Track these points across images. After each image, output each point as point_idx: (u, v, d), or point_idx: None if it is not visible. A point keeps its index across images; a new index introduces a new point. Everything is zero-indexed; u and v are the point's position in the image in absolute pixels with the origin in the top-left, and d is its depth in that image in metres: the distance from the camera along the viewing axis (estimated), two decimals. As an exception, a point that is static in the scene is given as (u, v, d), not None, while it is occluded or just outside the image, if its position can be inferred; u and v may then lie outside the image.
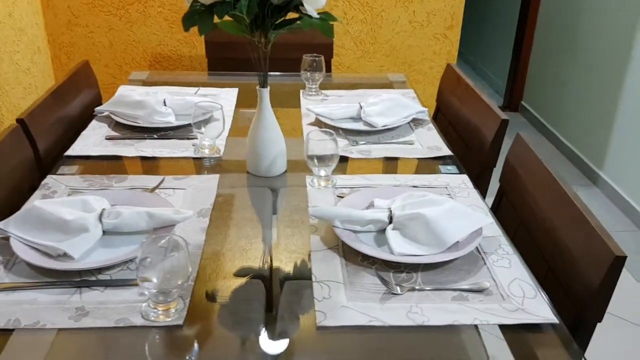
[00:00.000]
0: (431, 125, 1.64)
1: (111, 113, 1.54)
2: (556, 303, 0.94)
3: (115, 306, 0.87)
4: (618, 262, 0.89)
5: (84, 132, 1.47)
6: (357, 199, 1.18)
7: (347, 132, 1.56)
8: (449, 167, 1.41)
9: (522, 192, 1.24)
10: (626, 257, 0.89)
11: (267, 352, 0.83)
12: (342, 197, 1.21)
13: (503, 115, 1.43)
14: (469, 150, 1.60)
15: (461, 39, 2.89)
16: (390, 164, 1.41)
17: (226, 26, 1.17)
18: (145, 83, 1.90)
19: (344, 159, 1.40)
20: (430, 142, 1.53)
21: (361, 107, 1.62)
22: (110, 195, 1.12)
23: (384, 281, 0.94)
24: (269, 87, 1.26)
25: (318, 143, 1.23)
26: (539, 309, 0.91)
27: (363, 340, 0.86)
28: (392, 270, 0.99)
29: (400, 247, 1.02)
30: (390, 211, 1.09)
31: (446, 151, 1.47)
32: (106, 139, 1.44)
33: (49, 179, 1.24)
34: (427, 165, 1.41)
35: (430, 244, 1.03)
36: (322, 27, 1.16)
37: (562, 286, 1.04)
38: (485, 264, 1.02)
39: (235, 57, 2.15)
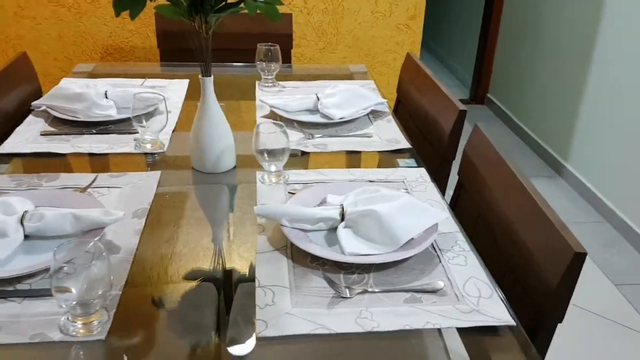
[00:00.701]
0: (391, 117, 1.58)
1: (48, 107, 1.44)
2: (515, 303, 0.89)
3: (30, 319, 0.78)
4: (578, 259, 0.84)
5: (18, 128, 1.37)
6: (308, 195, 1.11)
7: (303, 125, 1.48)
8: (407, 161, 1.35)
9: (480, 185, 1.19)
10: (586, 253, 0.84)
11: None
12: (294, 193, 1.14)
13: (461, 106, 1.37)
14: (429, 142, 1.54)
15: (427, 30, 2.85)
16: (351, 158, 1.35)
17: (164, 10, 1.09)
18: (91, 75, 1.79)
19: (305, 154, 1.33)
20: (389, 134, 1.46)
21: (318, 99, 1.55)
22: (37, 196, 1.02)
23: (332, 284, 0.88)
24: (212, 77, 1.18)
25: (268, 136, 1.16)
26: (494, 310, 0.85)
27: (318, 347, 0.79)
28: (342, 272, 0.93)
29: (351, 247, 0.95)
30: (342, 208, 1.02)
31: (405, 144, 1.41)
32: (41, 134, 1.34)
33: (-27, 179, 1.14)
34: (388, 158, 1.35)
35: (383, 242, 0.97)
36: (267, 11, 1.08)
37: (521, 284, 0.98)
38: (440, 262, 0.96)
39: (189, 47, 2.07)
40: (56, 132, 1.36)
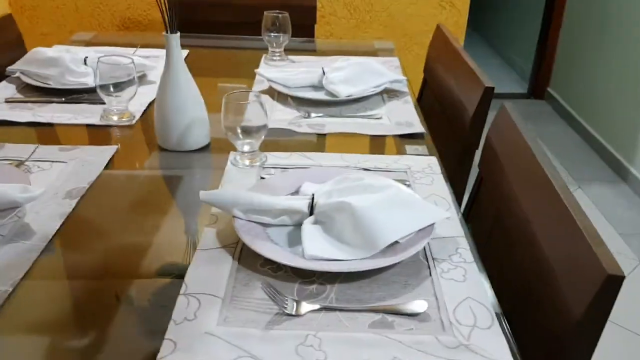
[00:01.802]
0: (409, 98, 1.35)
1: (21, 72, 1.29)
2: (525, 337, 0.66)
3: None
4: (611, 284, 0.60)
5: (-19, 94, 1.23)
6: (281, 182, 0.91)
7: (301, 102, 1.28)
8: (417, 147, 1.12)
9: (501, 180, 0.95)
10: (623, 277, 0.60)
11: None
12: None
13: (488, 82, 1.13)
14: (452, 128, 1.31)
15: (478, 12, 2.58)
16: (364, 143, 1.13)
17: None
18: (89, 44, 1.65)
19: (321, 137, 1.13)
20: (401, 117, 1.24)
21: (324, 73, 1.34)
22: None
23: (275, 296, 0.67)
24: (178, 34, 0.99)
25: (239, 108, 0.96)
26: (492, 346, 0.63)
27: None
28: (299, 281, 0.72)
29: (313, 248, 0.74)
30: (313, 199, 0.81)
31: (418, 128, 1.18)
32: (5, 101, 1.20)
33: None
34: (400, 145, 1.13)
35: (357, 244, 0.75)
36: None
37: (537, 312, 0.75)
38: (430, 275, 0.74)
39: (207, 19, 1.91)
40: (22, 99, 1.21)
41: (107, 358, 0.61)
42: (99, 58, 1.09)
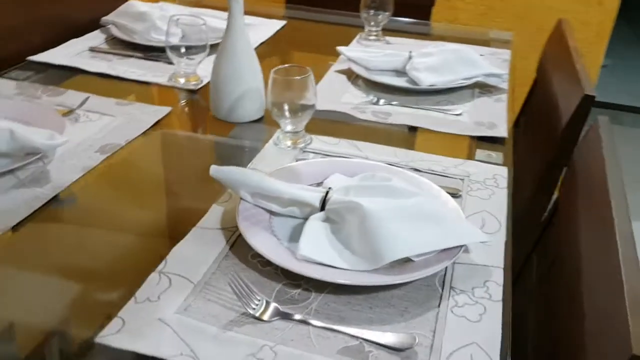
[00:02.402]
0: (503, 97, 1.18)
1: (113, 24, 1.33)
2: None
3: None
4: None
5: (72, 40, 1.28)
6: (309, 169, 0.82)
7: (376, 87, 1.18)
8: (491, 154, 0.97)
9: (573, 215, 0.79)
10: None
11: None
12: (301, 164, 0.86)
13: (589, 89, 0.94)
14: (543, 141, 1.13)
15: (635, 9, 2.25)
16: (427, 139, 1.01)
17: None
18: (197, 5, 1.67)
19: (413, 130, 1.03)
20: (485, 116, 1.09)
21: (410, 58, 1.22)
22: (6, 107, 0.90)
23: (239, 293, 0.60)
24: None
25: (286, 83, 0.89)
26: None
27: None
28: (284, 281, 0.64)
29: (307, 249, 0.66)
30: (327, 193, 0.72)
31: (499, 132, 1.03)
32: (89, 49, 1.24)
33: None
34: (475, 148, 0.99)
35: (360, 253, 0.66)
36: None
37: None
38: (438, 306, 0.63)
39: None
40: (105, 50, 1.24)
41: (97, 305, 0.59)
42: (170, 17, 1.08)
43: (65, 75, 1.12)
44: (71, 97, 1.01)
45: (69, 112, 0.95)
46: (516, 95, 1.33)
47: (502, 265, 0.69)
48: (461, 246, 0.67)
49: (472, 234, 0.69)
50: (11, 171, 0.78)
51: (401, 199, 0.69)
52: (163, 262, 0.65)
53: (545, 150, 1.08)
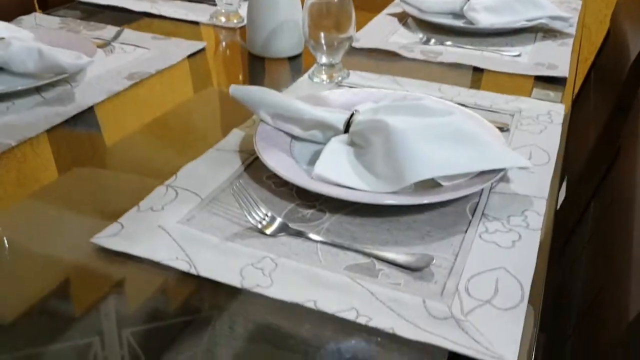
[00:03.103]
0: (570, 41, 1.08)
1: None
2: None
3: None
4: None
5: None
6: (338, 98, 0.77)
7: (429, 28, 1.10)
8: (549, 93, 0.88)
9: (633, 155, 0.69)
10: None
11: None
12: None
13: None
14: (609, 83, 1.01)
15: None
16: (481, 80, 0.93)
17: None
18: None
19: (478, 70, 0.95)
20: (546, 58, 0.99)
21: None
22: (40, 34, 0.90)
23: (242, 202, 0.55)
24: None
25: (323, 12, 0.84)
26: (494, 332, 0.44)
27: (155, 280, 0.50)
28: (298, 201, 0.60)
29: (324, 168, 0.60)
30: (352, 115, 0.67)
31: (560, 71, 0.93)
32: (136, -7, 1.24)
33: (30, 16, 1.07)
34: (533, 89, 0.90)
35: (383, 175, 0.60)
36: None
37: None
38: (465, 231, 0.56)
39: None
40: (151, -7, 1.24)
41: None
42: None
43: (110, 15, 1.12)
44: (109, 31, 1.01)
45: (104, 44, 0.94)
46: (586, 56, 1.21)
47: (545, 196, 0.61)
48: (498, 171, 0.60)
49: (511, 158, 0.61)
50: (38, 91, 0.78)
51: (433, 118, 0.63)
52: (173, 177, 0.62)
53: (611, 94, 0.96)
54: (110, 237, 0.53)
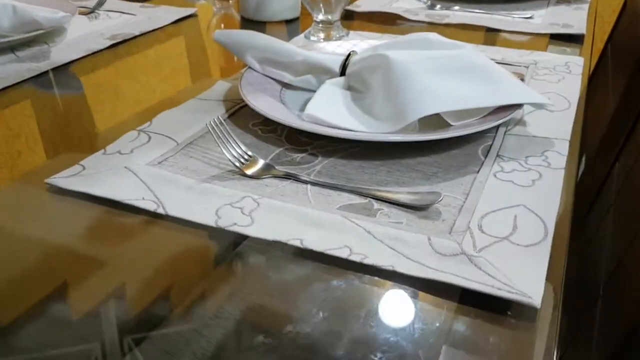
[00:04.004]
0: (585, 6, 1.01)
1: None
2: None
3: None
4: None
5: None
6: (335, 50, 0.70)
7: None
8: (566, 49, 0.81)
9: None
10: None
11: None
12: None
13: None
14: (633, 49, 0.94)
15: None
16: (501, 44, 0.86)
17: None
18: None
19: (473, 32, 0.89)
20: (560, 19, 0.92)
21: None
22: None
23: (220, 137, 0.48)
24: None
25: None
26: (513, 268, 0.37)
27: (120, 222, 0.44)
28: (287, 145, 0.53)
29: (316, 108, 0.53)
30: (349, 56, 0.60)
31: (576, 29, 0.86)
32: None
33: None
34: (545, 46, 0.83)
35: (383, 116, 0.53)
36: None
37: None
38: (477, 171, 0.49)
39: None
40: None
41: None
42: None
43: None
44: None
45: (87, 12, 0.89)
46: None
47: (567, 138, 0.54)
48: (515, 108, 0.53)
49: (529, 94, 0.54)
50: (12, 51, 0.72)
51: (440, 51, 0.56)
52: (147, 123, 0.56)
53: (630, 61, 0.89)
54: (68, 178, 0.46)
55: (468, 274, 0.36)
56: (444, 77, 0.52)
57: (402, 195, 0.44)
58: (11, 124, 0.59)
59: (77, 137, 0.57)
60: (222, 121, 0.49)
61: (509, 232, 0.40)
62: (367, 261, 0.38)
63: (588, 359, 0.54)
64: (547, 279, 0.36)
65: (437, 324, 0.34)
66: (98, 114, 0.62)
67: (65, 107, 0.63)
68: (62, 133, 0.58)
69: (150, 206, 0.43)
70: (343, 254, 0.38)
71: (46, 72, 0.68)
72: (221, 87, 0.64)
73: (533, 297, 0.34)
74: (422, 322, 0.34)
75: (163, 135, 0.54)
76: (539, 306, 0.34)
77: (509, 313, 0.35)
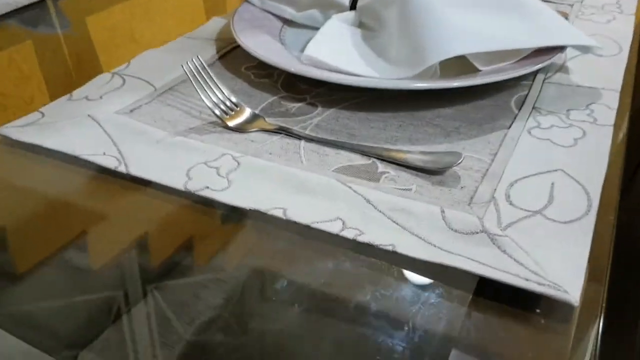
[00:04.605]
0: None
1: None
2: None
3: None
4: None
5: None
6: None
7: None
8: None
9: None
10: None
11: None
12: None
13: None
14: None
15: None
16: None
17: None
18: None
19: None
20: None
21: None
22: None
23: (201, 88, 0.41)
24: None
25: None
26: (544, 251, 0.29)
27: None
28: (282, 94, 0.45)
29: (317, 49, 0.45)
30: (361, -13, 0.51)
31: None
32: None
33: None
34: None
35: (398, 60, 0.44)
36: None
37: None
38: (508, 127, 0.41)
39: None
40: None
41: None
42: None
43: None
44: None
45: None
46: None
47: (618, 89, 0.45)
48: (556, 51, 0.44)
49: (573, 35, 0.45)
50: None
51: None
52: (125, 65, 0.49)
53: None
54: (22, 128, 0.40)
55: (488, 259, 0.29)
56: (472, 13, 0.44)
57: (414, 155, 0.36)
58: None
59: (40, 79, 0.51)
60: (202, 61, 0.41)
61: (543, 204, 0.33)
62: (362, 238, 0.30)
63: None
64: (588, 267, 0.29)
65: (444, 324, 0.27)
66: (74, 49, 0.55)
67: (41, 45, 0.56)
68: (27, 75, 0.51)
69: (110, 163, 0.36)
70: (334, 228, 0.31)
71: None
72: (215, 24, 0.56)
73: (570, 292, 0.27)
74: (425, 321, 0.27)
75: (140, 79, 0.46)
76: (577, 303, 0.27)
77: (537, 311, 0.27)
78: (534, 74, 0.47)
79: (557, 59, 0.47)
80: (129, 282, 0.29)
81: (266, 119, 0.41)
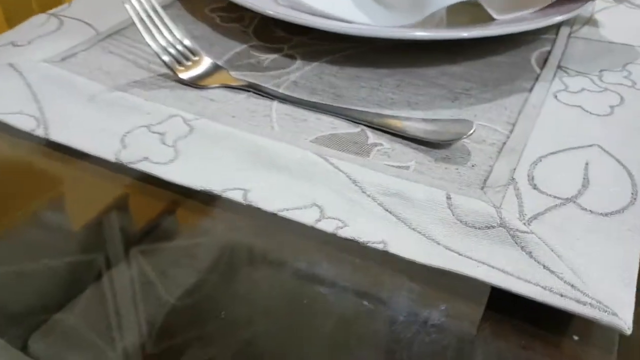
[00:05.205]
0: None
1: None
2: None
3: None
4: None
5: None
6: None
7: None
8: None
9: None
10: None
11: None
12: None
13: None
14: None
15: None
16: None
17: None
18: None
19: None
20: None
21: None
22: None
23: (147, 29, 0.33)
24: None
25: None
26: (579, 256, 0.22)
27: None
28: (254, 42, 0.37)
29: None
30: None
31: None
32: None
33: None
34: None
35: (395, 5, 0.36)
36: None
37: None
38: (530, 90, 0.33)
39: None
40: None
41: None
42: None
43: None
44: None
45: None
46: None
47: (656, 45, 0.38)
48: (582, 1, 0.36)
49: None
50: None
51: None
52: (66, 5, 0.40)
53: None
54: None
55: (507, 264, 0.22)
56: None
57: (413, 123, 0.29)
58: None
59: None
60: (155, 10, 0.33)
61: (576, 189, 0.25)
62: (344, 232, 0.23)
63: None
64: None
65: (447, 347, 0.20)
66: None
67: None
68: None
69: (27, 124, 0.28)
70: (308, 218, 0.24)
71: None
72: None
73: (619, 313, 0.20)
74: (422, 349, 0.20)
75: (80, 20, 0.38)
76: (629, 330, 0.20)
77: (575, 338, 0.20)
78: (558, 26, 0.39)
79: (585, 8, 0.39)
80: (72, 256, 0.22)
81: (231, 72, 0.33)
